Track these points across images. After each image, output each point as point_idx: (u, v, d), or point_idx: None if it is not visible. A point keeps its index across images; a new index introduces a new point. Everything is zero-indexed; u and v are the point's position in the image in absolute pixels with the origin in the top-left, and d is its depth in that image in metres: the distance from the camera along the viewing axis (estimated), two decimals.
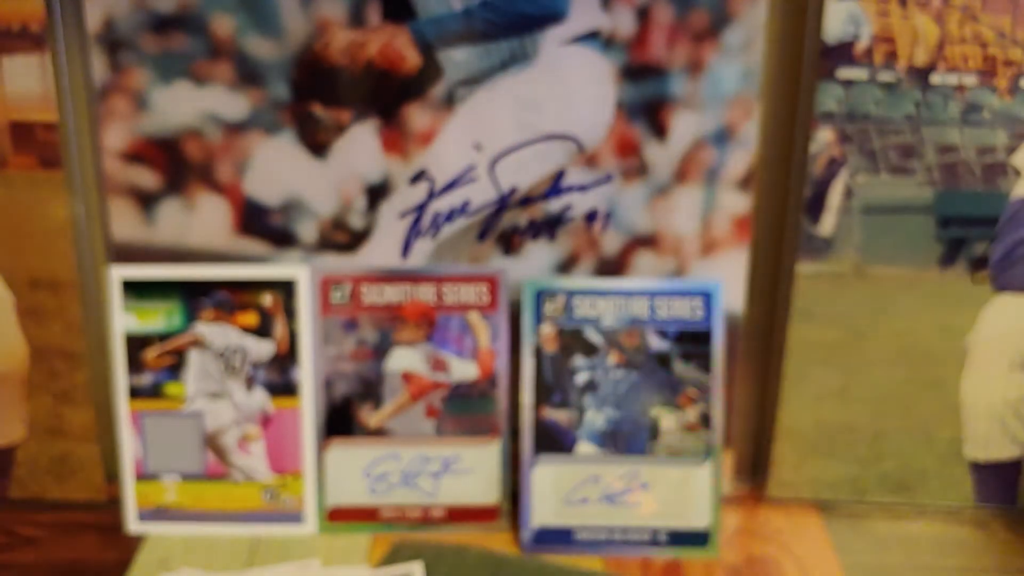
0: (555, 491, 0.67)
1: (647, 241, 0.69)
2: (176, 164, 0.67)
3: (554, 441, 0.68)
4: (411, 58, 0.64)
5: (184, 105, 0.66)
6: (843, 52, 0.64)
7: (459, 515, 0.69)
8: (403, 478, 0.68)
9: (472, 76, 0.65)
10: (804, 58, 0.65)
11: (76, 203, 0.68)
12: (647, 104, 0.65)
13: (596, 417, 0.68)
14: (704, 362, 0.67)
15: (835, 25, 0.63)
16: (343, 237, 0.68)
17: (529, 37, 0.64)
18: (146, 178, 0.67)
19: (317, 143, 0.66)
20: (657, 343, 0.67)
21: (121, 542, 0.69)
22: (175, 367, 0.68)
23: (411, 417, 0.68)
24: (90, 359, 0.71)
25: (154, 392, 0.68)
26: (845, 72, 0.64)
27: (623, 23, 0.63)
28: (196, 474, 0.69)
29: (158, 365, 0.68)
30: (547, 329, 0.67)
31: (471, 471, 0.69)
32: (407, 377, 0.67)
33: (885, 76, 0.64)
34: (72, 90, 0.66)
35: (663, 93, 0.65)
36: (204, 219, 0.68)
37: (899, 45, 0.64)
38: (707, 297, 0.67)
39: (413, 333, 0.67)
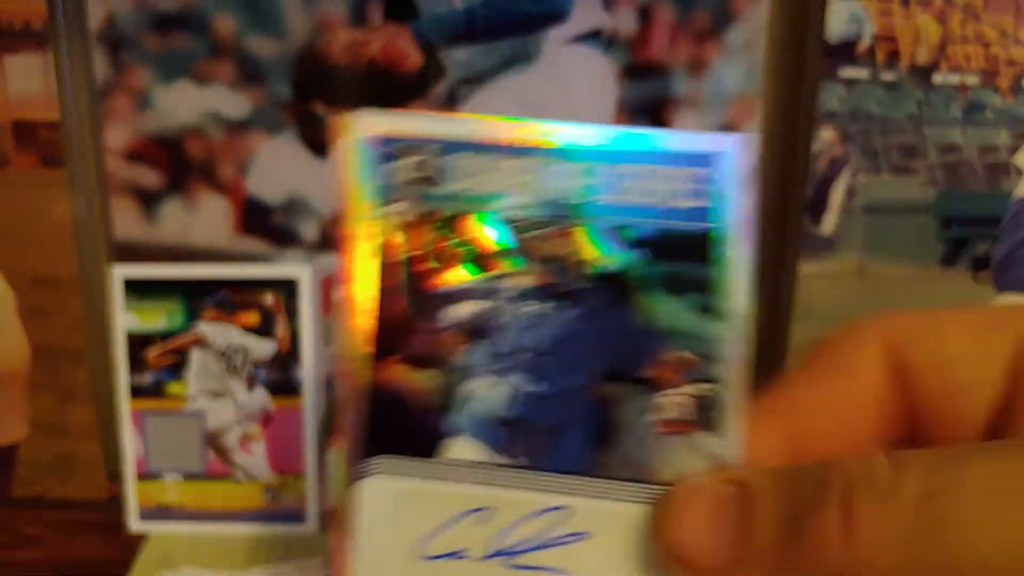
0: (400, 528, 0.30)
1: None
2: (178, 163, 0.67)
3: (404, 431, 0.31)
4: (413, 57, 0.64)
5: (186, 104, 0.66)
6: (845, 51, 0.63)
7: None
8: None
9: (474, 75, 0.65)
10: (806, 58, 0.65)
11: (78, 202, 0.68)
12: (649, 103, 0.65)
13: (489, 391, 0.31)
14: (706, 298, 0.30)
15: (837, 24, 0.63)
16: None
17: (531, 36, 0.64)
18: (148, 177, 0.67)
19: (318, 142, 0.66)
20: (616, 254, 0.32)
21: (123, 540, 0.69)
22: (176, 366, 0.68)
23: None
24: (92, 358, 0.71)
25: (156, 391, 0.68)
26: (847, 71, 0.64)
27: (625, 22, 0.63)
28: (197, 473, 0.69)
29: (159, 364, 0.68)
30: (399, 214, 0.31)
31: None
32: None
33: (887, 76, 0.64)
34: (74, 89, 0.66)
35: (665, 92, 0.65)
36: (206, 218, 0.68)
37: (901, 44, 0.64)
38: (713, 167, 0.30)
39: None
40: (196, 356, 0.68)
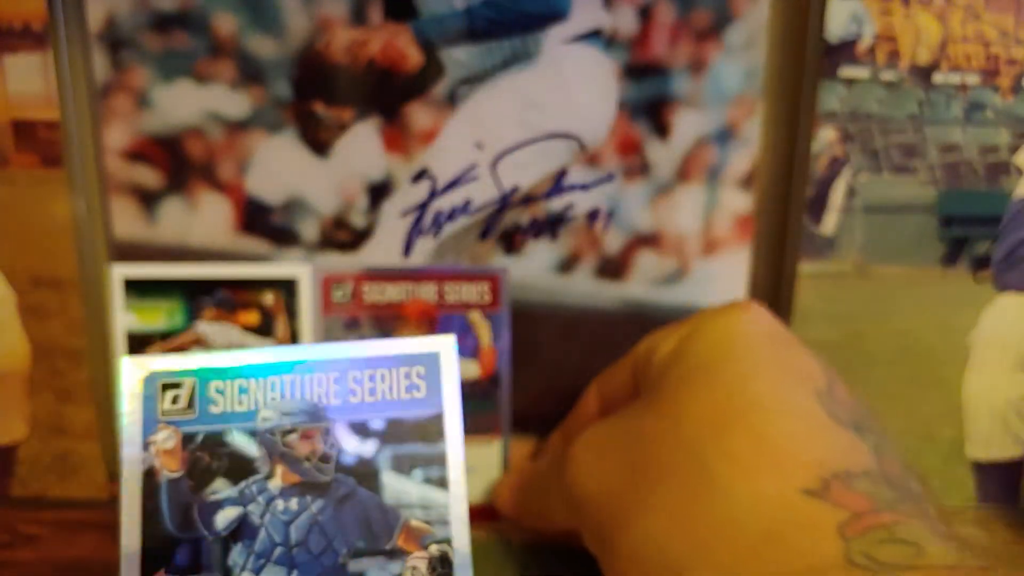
0: None
1: (649, 240, 0.69)
2: (178, 163, 0.67)
3: None
4: (413, 57, 0.64)
5: (186, 104, 0.66)
6: (845, 51, 0.63)
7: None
8: None
9: (474, 75, 0.65)
10: (806, 57, 0.64)
11: (78, 201, 0.68)
12: (649, 103, 0.65)
13: None
14: (436, 468, 0.37)
15: (837, 24, 0.63)
16: (345, 236, 0.68)
17: (531, 36, 0.64)
18: (148, 176, 0.67)
19: (319, 142, 0.66)
20: (355, 446, 0.37)
21: None
22: None
23: None
24: (92, 357, 0.71)
25: None
26: (847, 71, 0.64)
27: (625, 22, 0.63)
28: None
29: None
30: (164, 436, 0.37)
31: (473, 470, 0.68)
32: None
33: (887, 75, 0.64)
34: (74, 88, 0.66)
35: (665, 92, 0.65)
36: (206, 218, 0.68)
37: (901, 44, 0.64)
38: (429, 364, 0.37)
39: (414, 332, 0.67)
40: None
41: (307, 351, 0.38)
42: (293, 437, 0.37)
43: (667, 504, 0.30)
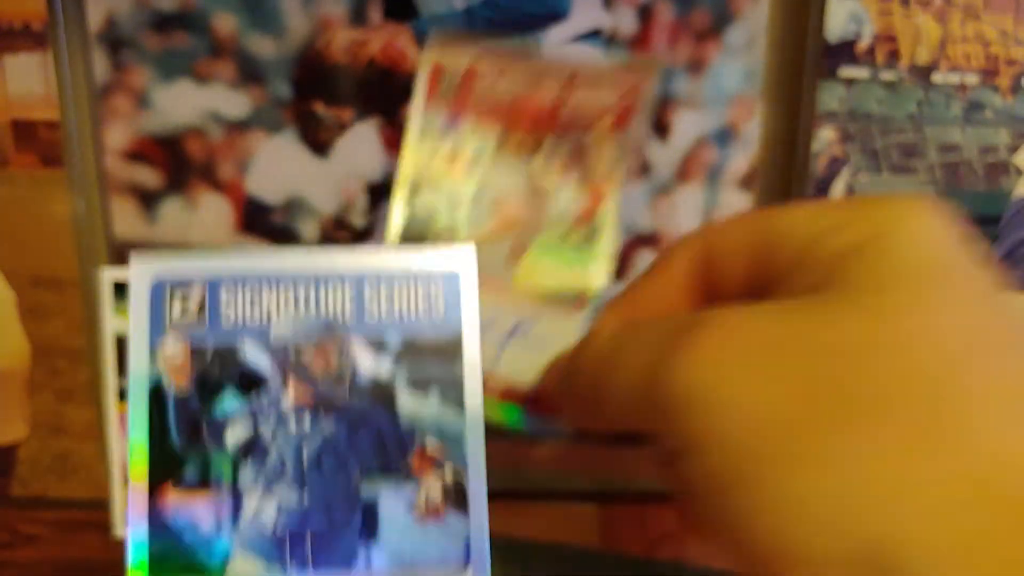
0: None
1: (649, 240, 0.69)
2: (178, 162, 0.67)
3: (184, 552, 0.34)
4: (413, 57, 0.64)
5: (186, 104, 0.66)
6: (845, 51, 0.63)
7: None
8: None
9: None
10: (806, 57, 0.65)
11: (77, 201, 0.68)
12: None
13: (264, 505, 0.35)
14: (453, 390, 0.35)
15: (837, 24, 0.63)
16: (345, 236, 0.68)
17: (531, 36, 0.64)
18: (148, 176, 0.67)
19: (319, 142, 0.66)
20: (370, 363, 0.35)
21: (122, 541, 0.68)
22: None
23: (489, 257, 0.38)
24: (92, 357, 0.70)
25: None
26: (847, 71, 0.64)
27: (625, 22, 0.63)
28: None
29: None
30: (172, 348, 0.35)
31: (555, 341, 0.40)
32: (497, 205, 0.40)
33: (887, 75, 0.64)
34: (74, 88, 0.66)
35: (665, 92, 0.65)
36: (206, 218, 0.68)
37: (901, 44, 0.64)
38: (448, 281, 0.35)
39: (519, 145, 0.39)
40: None
41: (322, 258, 0.34)
42: (307, 352, 0.34)
43: (883, 450, 0.22)
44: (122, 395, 0.68)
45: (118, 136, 0.66)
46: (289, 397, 0.34)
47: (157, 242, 0.69)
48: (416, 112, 0.42)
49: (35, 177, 0.67)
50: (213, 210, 0.68)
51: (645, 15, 0.63)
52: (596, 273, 0.42)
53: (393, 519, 0.33)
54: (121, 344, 0.68)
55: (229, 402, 0.34)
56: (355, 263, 0.34)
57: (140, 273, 0.35)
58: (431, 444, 0.34)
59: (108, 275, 0.67)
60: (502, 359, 0.36)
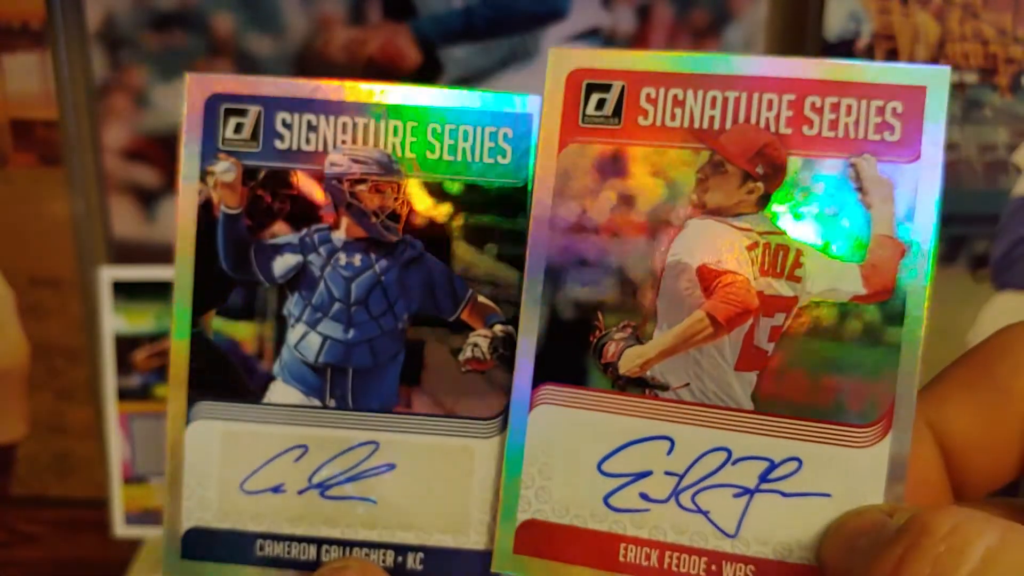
0: (225, 467, 0.34)
1: None
2: (176, 162, 0.67)
3: (227, 378, 0.34)
4: (411, 56, 0.64)
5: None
6: (844, 49, 0.63)
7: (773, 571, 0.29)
8: (673, 487, 0.30)
9: (473, 74, 0.65)
10: (805, 56, 0.65)
11: (76, 200, 0.68)
12: None
13: (308, 339, 0.33)
14: (513, 245, 0.32)
15: (836, 22, 0.63)
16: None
17: (530, 35, 0.64)
18: (146, 175, 0.67)
19: None
20: (428, 207, 0.33)
21: (121, 540, 0.69)
22: (165, 368, 0.68)
23: (709, 361, 0.30)
24: (90, 356, 0.71)
25: (143, 394, 0.68)
26: None
27: (624, 21, 0.63)
28: None
29: (147, 367, 0.68)
30: (224, 166, 0.33)
31: (825, 483, 0.29)
32: (707, 274, 0.30)
33: None
34: (72, 88, 0.66)
35: None
36: None
37: (900, 43, 0.64)
38: (520, 126, 0.32)
39: (728, 190, 0.31)
40: None
41: (385, 94, 0.32)
42: (362, 188, 0.32)
43: None
44: (121, 395, 0.68)
45: (117, 135, 0.66)
46: (341, 232, 0.32)
47: (156, 241, 0.69)
48: None
49: (34, 176, 0.67)
50: None
51: (644, 14, 0.63)
52: None
53: (437, 366, 0.32)
54: (120, 343, 0.68)
55: (279, 229, 0.32)
56: (420, 99, 0.31)
57: (195, 87, 0.33)
58: (483, 297, 0.32)
59: (107, 274, 0.67)
60: None
